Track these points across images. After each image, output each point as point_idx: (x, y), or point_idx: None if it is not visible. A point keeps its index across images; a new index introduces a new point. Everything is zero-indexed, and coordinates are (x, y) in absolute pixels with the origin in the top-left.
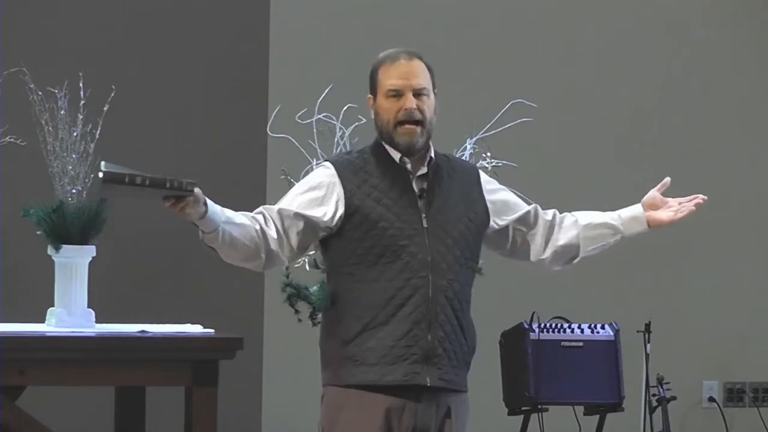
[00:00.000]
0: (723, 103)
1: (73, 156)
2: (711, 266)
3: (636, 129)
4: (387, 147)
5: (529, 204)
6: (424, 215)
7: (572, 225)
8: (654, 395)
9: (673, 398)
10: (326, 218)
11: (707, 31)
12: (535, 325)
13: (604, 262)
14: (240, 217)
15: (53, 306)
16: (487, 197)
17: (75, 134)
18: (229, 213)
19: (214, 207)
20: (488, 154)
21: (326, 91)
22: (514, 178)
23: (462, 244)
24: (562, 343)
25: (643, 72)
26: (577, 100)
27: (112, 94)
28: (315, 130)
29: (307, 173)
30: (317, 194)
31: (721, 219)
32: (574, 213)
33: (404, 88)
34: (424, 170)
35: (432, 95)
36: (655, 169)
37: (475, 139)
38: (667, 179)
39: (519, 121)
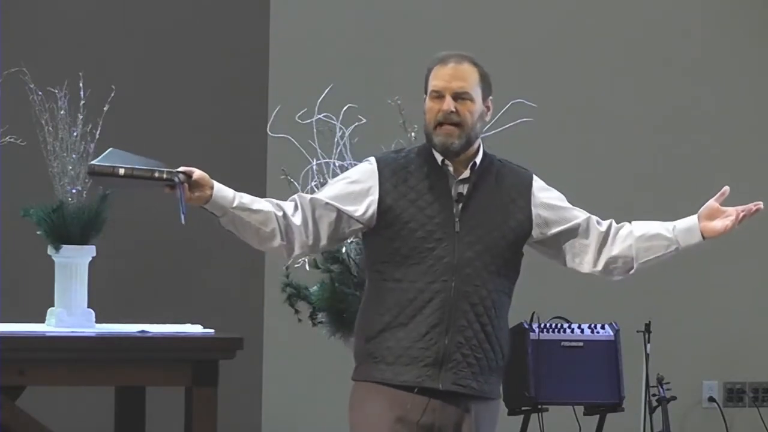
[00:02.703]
0: (723, 103)
1: (73, 156)
2: (711, 266)
3: (636, 128)
4: (433, 149)
5: (585, 213)
6: (457, 219)
7: (627, 236)
8: (654, 395)
9: (673, 398)
10: (358, 213)
11: (708, 31)
12: (535, 325)
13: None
14: (261, 204)
15: (53, 306)
16: (535, 207)
17: (75, 134)
18: (246, 199)
19: (222, 192)
20: None
21: (326, 91)
22: None
23: (494, 252)
24: (562, 343)
25: (643, 72)
26: (577, 100)
27: (112, 94)
28: (315, 130)
29: (307, 173)
30: (354, 188)
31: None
32: (632, 223)
33: (445, 90)
34: (466, 174)
35: (478, 101)
36: (655, 168)
37: None
38: (726, 188)
39: (519, 121)
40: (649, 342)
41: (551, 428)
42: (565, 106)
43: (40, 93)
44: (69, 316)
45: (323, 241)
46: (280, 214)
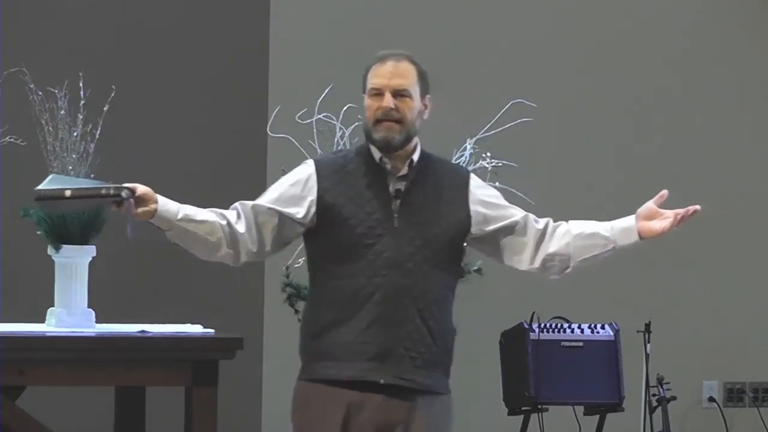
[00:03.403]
0: (724, 104)
1: (73, 156)
2: (711, 266)
3: (636, 129)
4: (371, 147)
5: (522, 212)
6: (396, 215)
7: (564, 234)
8: (654, 395)
9: (673, 398)
10: (299, 216)
11: (708, 31)
12: (535, 325)
13: (604, 262)
14: (204, 214)
15: (53, 306)
16: (473, 204)
17: (75, 134)
18: (190, 210)
19: (167, 205)
20: (488, 154)
21: (326, 91)
22: (514, 178)
23: (435, 246)
24: (562, 343)
25: (643, 72)
26: (577, 100)
27: (112, 94)
28: (315, 130)
29: None
30: (294, 191)
31: (721, 219)
32: (569, 222)
33: (384, 88)
34: (404, 171)
35: (417, 98)
36: (655, 168)
37: (475, 139)
38: (665, 192)
39: (519, 121)
40: (649, 342)
41: (551, 428)
42: (565, 106)
43: (40, 93)
44: (69, 316)
45: (268, 247)
46: (224, 223)
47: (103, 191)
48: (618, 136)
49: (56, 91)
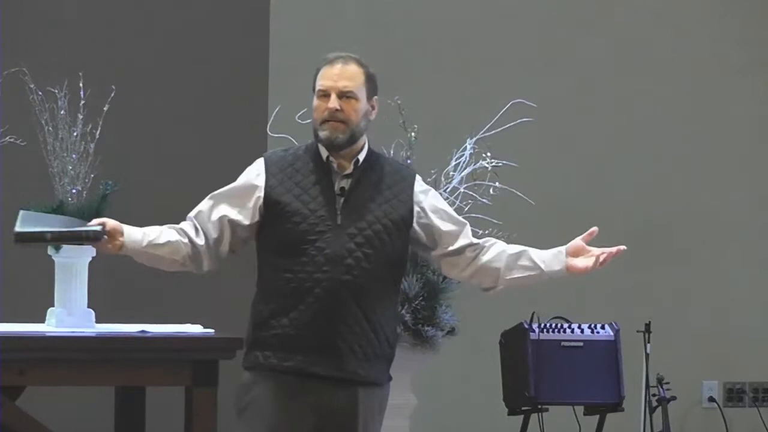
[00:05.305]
0: (724, 104)
1: (73, 156)
2: (711, 266)
3: (636, 129)
4: (319, 145)
5: (462, 220)
6: (339, 213)
7: (500, 253)
8: (654, 395)
9: (673, 398)
10: (247, 222)
11: (710, 30)
12: (535, 325)
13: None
14: (166, 234)
15: (53, 306)
16: (417, 203)
17: (75, 134)
18: (152, 234)
19: (132, 236)
20: (488, 154)
21: None
22: (514, 178)
23: (375, 243)
24: (562, 343)
25: (643, 72)
26: (577, 100)
27: (112, 94)
28: None
29: None
30: (243, 191)
31: (721, 219)
32: (509, 244)
33: (331, 90)
34: (350, 170)
35: (363, 100)
36: (654, 168)
37: (475, 139)
38: (595, 229)
39: (519, 121)
40: (649, 342)
41: (551, 428)
42: (565, 106)
43: (40, 93)
44: (69, 316)
45: (226, 252)
46: (185, 241)
47: (83, 234)
48: (618, 136)
49: (56, 91)
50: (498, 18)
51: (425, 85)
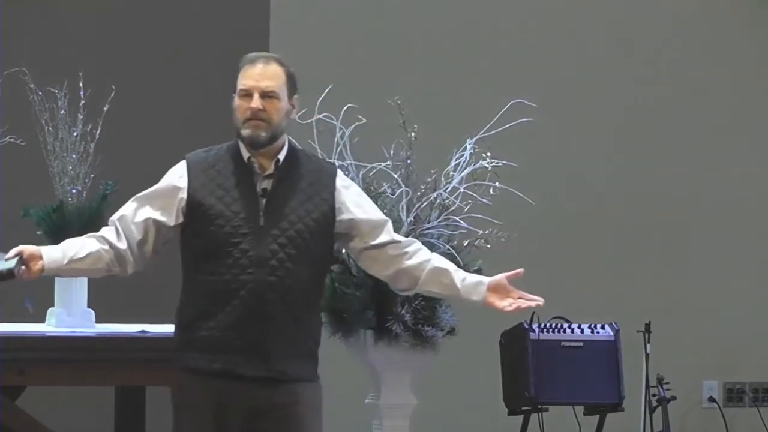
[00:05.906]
0: (724, 103)
1: (73, 156)
2: (711, 266)
3: (636, 129)
4: (240, 146)
5: (385, 217)
6: (261, 214)
7: (424, 261)
8: (654, 395)
9: (673, 398)
10: (171, 224)
11: (708, 30)
12: (535, 325)
13: (604, 261)
14: (87, 246)
15: (53, 306)
16: (339, 200)
17: (75, 134)
18: (72, 249)
19: (52, 256)
20: (488, 154)
21: (326, 91)
22: (514, 178)
23: (298, 243)
24: (562, 343)
25: (643, 72)
26: (577, 100)
27: (112, 94)
28: (315, 130)
29: None
30: (165, 194)
31: (721, 219)
32: (434, 254)
33: (253, 89)
34: (271, 170)
35: (284, 99)
36: (654, 169)
37: (475, 139)
38: (521, 270)
39: (519, 121)
40: (649, 342)
41: (551, 428)
42: (565, 106)
43: (40, 93)
44: (69, 316)
45: (150, 254)
46: (106, 247)
47: (5, 273)
48: (618, 136)
49: (56, 91)
50: (498, 18)
51: (425, 85)
